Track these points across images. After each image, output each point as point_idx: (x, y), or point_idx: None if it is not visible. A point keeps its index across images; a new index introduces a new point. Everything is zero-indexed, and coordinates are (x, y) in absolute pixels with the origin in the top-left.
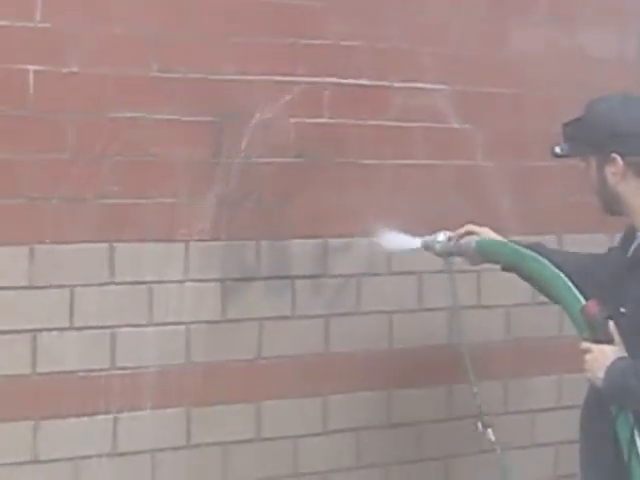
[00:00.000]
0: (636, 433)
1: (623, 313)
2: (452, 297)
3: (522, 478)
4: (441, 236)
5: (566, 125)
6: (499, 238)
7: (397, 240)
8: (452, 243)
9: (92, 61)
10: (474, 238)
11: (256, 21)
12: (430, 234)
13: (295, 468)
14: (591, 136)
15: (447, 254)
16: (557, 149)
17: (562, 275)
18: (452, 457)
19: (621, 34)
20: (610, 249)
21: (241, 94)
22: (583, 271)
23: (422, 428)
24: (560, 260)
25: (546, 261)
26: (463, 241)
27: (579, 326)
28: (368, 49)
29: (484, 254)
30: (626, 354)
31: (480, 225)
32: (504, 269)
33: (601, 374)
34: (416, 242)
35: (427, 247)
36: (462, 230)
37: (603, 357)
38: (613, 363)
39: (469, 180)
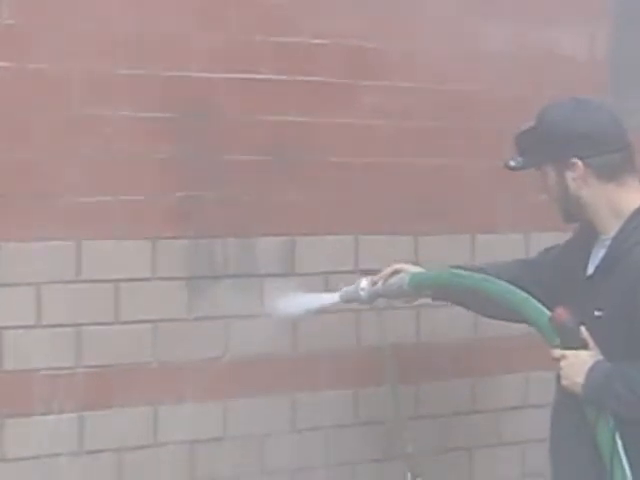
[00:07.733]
0: (617, 437)
1: (599, 317)
2: (384, 341)
3: (489, 477)
4: (363, 282)
5: (519, 136)
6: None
7: (308, 301)
8: (379, 286)
9: (58, 58)
10: (405, 275)
11: (224, 18)
12: (350, 285)
13: (263, 466)
14: (548, 143)
15: (374, 299)
16: (512, 162)
17: (517, 289)
18: (420, 456)
19: (590, 33)
20: (547, 249)
21: (209, 91)
22: (531, 278)
23: (390, 426)
24: (507, 275)
25: (495, 278)
26: (392, 280)
27: (548, 335)
28: (337, 47)
29: (420, 287)
30: (602, 358)
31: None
32: (435, 298)
33: (580, 379)
34: (333, 297)
35: (349, 299)
36: (388, 271)
37: (580, 362)
38: (593, 367)
39: (439, 178)
